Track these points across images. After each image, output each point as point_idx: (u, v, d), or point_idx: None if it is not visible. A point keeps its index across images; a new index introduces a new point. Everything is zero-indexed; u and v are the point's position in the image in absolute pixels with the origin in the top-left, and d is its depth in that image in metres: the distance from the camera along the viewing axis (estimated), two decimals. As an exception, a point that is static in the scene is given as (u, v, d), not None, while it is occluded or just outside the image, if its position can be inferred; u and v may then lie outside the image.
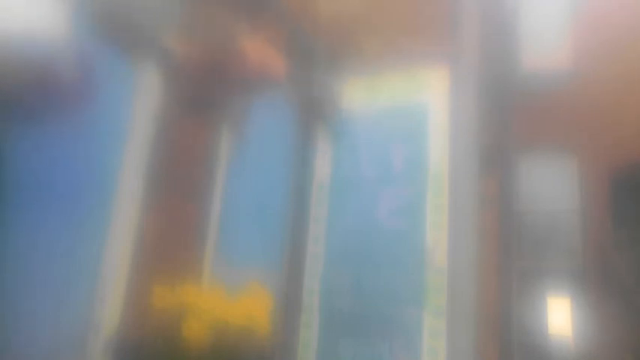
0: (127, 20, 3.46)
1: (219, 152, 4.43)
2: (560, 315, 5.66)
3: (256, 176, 4.76)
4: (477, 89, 4.57)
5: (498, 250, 5.77)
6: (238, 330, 3.61)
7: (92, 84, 3.17)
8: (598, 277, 5.58)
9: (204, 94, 4.03)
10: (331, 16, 5.30)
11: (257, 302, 3.71)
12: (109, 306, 3.39)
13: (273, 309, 4.76)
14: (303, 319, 4.89)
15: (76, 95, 3.06)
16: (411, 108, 5.11)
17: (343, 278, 4.89)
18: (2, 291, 2.82)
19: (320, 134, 5.42)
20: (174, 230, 3.89)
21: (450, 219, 4.39)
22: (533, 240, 5.95)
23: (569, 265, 5.75)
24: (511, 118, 6.23)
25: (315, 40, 5.26)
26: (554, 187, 6.03)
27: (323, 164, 5.33)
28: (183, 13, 3.72)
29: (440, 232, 4.63)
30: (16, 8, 2.76)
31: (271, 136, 5.03)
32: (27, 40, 2.79)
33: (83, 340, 3.27)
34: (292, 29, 4.67)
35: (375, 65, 5.37)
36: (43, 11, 2.90)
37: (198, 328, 3.45)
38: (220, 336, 3.52)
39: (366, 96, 5.34)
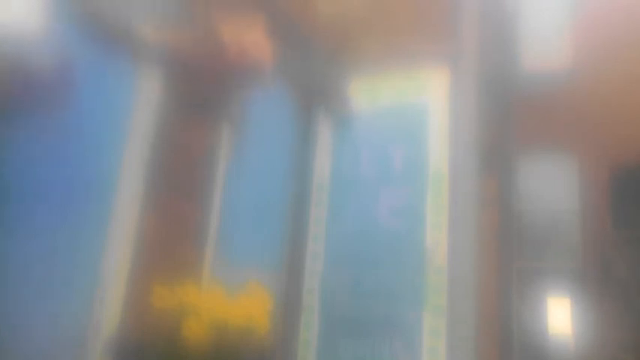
0: (115, 15, 3.45)
1: (219, 152, 4.43)
2: (560, 315, 5.66)
3: (256, 176, 4.76)
4: (477, 89, 4.57)
5: (498, 250, 5.77)
6: (238, 330, 3.61)
7: (73, 80, 3.16)
8: (598, 277, 5.58)
9: (198, 89, 4.03)
10: (331, 17, 5.30)
11: (257, 302, 3.71)
12: (109, 306, 3.39)
13: (273, 309, 4.76)
14: (303, 319, 4.89)
15: (57, 91, 3.06)
16: (411, 108, 5.11)
17: (343, 278, 4.89)
18: (2, 291, 2.82)
19: (320, 134, 5.42)
20: (174, 230, 3.89)
21: (450, 219, 4.39)
22: (533, 240, 5.95)
23: (569, 265, 5.75)
24: (511, 118, 6.23)
25: (316, 40, 5.26)
26: (554, 187, 6.03)
27: (323, 164, 5.33)
28: (169, 5, 3.71)
29: (440, 232, 4.63)
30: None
31: (271, 136, 5.03)
32: (5, 36, 2.79)
33: (83, 340, 3.27)
34: (285, 23, 4.65)
35: (375, 65, 5.37)
36: (24, 6, 2.89)
37: (198, 328, 3.45)
38: (220, 336, 3.52)
39: (367, 96, 5.35)
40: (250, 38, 3.96)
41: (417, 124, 5.03)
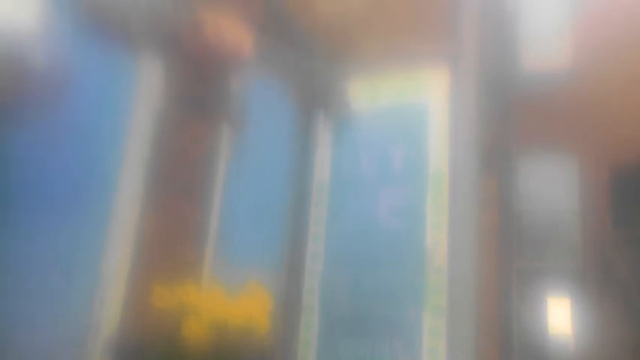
0: (118, 11, 3.45)
1: (219, 152, 4.43)
2: (560, 315, 5.66)
3: (256, 176, 4.76)
4: (477, 89, 4.57)
5: (498, 250, 5.77)
6: (238, 330, 3.61)
7: (71, 77, 3.16)
8: (598, 277, 5.58)
9: (194, 84, 4.02)
10: (331, 17, 5.30)
11: (257, 302, 3.72)
12: (109, 306, 3.40)
13: (273, 309, 4.76)
14: (303, 319, 4.89)
15: (54, 89, 3.05)
16: (411, 108, 5.11)
17: (343, 278, 4.89)
18: (2, 291, 2.82)
19: (320, 134, 5.42)
20: (174, 230, 3.89)
21: (450, 219, 4.39)
22: (533, 240, 5.95)
23: (569, 265, 5.75)
24: (511, 118, 6.23)
25: (316, 39, 5.26)
26: (554, 187, 6.03)
27: (323, 164, 5.33)
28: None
29: (440, 232, 4.63)
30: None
31: (271, 136, 5.03)
32: (1, 33, 2.78)
33: (83, 340, 3.28)
34: (282, 20, 4.64)
35: (375, 65, 5.37)
36: (20, 2, 2.88)
37: (198, 328, 3.46)
38: (220, 336, 3.53)
39: (367, 96, 5.35)
40: (227, 26, 3.92)
41: (417, 124, 5.03)
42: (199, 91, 4.06)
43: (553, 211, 5.95)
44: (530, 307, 5.75)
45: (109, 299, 3.41)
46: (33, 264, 2.99)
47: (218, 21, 3.89)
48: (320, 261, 5.03)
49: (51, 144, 3.10)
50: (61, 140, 3.16)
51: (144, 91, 3.80)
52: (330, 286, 4.91)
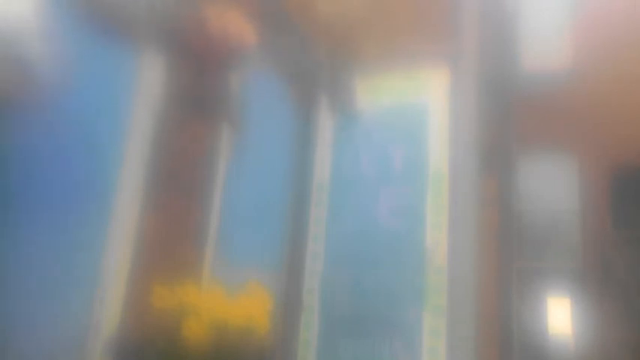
0: (119, 7, 3.44)
1: (219, 152, 4.43)
2: (560, 315, 5.66)
3: (256, 176, 4.76)
4: (477, 89, 4.57)
5: (498, 250, 5.77)
6: (238, 330, 3.61)
7: (69, 74, 3.16)
8: (598, 277, 5.58)
9: (194, 79, 4.01)
10: (332, 17, 5.30)
11: (257, 302, 3.71)
12: (108, 306, 3.39)
13: (273, 309, 4.76)
14: (303, 319, 4.89)
15: (55, 88, 3.05)
16: (411, 108, 5.11)
17: (343, 278, 4.89)
18: (2, 291, 2.82)
19: (320, 134, 5.41)
20: (174, 230, 3.89)
21: (450, 219, 4.39)
22: (533, 240, 5.95)
23: (569, 265, 5.75)
24: (511, 118, 6.23)
25: (316, 39, 5.26)
26: (554, 187, 6.03)
27: (323, 164, 5.33)
28: None
29: (440, 232, 4.63)
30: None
31: (271, 135, 5.03)
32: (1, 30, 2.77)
33: (83, 340, 3.27)
34: (283, 18, 4.63)
35: (375, 65, 5.37)
36: None
37: (198, 328, 3.45)
38: (220, 336, 3.52)
39: (367, 96, 5.35)
40: (230, 19, 3.91)
41: (417, 124, 5.03)
42: (200, 89, 4.06)
43: (553, 211, 5.95)
44: (530, 307, 5.75)
45: (109, 299, 3.41)
46: (33, 264, 2.99)
47: (221, 16, 3.88)
48: (320, 261, 5.03)
49: (51, 144, 3.10)
50: (61, 140, 3.16)
51: (144, 90, 3.80)
52: (330, 286, 4.91)
